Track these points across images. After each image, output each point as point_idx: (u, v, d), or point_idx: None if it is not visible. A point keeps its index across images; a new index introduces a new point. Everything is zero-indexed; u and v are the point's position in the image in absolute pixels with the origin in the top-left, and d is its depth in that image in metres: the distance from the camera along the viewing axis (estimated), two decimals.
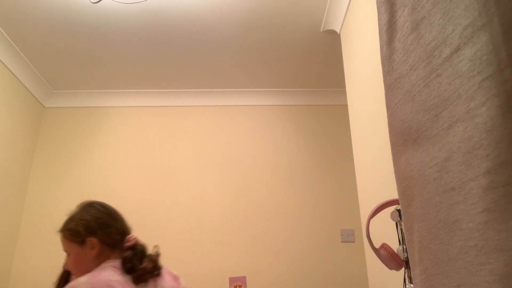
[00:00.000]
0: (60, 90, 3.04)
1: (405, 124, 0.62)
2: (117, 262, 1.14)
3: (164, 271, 1.22)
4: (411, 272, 0.64)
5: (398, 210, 1.06)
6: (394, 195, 1.19)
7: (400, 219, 1.06)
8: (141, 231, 2.71)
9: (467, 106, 0.48)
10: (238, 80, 3.00)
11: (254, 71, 2.90)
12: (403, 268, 1.07)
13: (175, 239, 2.73)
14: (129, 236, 1.22)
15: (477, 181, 0.46)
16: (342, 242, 2.81)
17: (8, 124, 2.56)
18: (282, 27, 2.43)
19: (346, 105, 3.10)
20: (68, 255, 1.19)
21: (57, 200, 2.79)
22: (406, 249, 1.05)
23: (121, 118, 3.04)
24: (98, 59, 2.68)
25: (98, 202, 1.28)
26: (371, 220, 1.10)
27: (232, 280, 2.65)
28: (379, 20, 0.72)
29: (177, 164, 2.93)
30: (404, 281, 1.04)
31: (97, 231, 1.18)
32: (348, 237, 2.82)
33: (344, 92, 3.11)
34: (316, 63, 2.82)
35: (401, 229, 1.10)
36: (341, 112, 3.15)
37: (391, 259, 1.06)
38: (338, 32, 2.36)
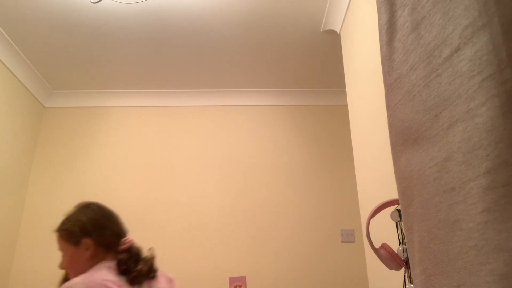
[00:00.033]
0: (60, 90, 3.04)
1: (405, 124, 0.62)
2: (112, 263, 1.14)
3: (159, 274, 1.23)
4: (411, 272, 0.64)
5: (398, 210, 1.06)
6: (394, 195, 1.19)
7: (400, 219, 1.06)
8: (141, 231, 2.72)
9: (467, 106, 0.48)
10: (238, 80, 3.00)
11: (254, 71, 2.90)
12: (403, 268, 1.07)
13: (175, 239, 2.73)
14: (125, 238, 1.22)
15: (477, 181, 0.46)
16: (342, 242, 2.81)
17: (8, 124, 2.56)
18: (282, 27, 2.43)
19: (346, 105, 3.10)
20: (63, 255, 1.20)
21: (57, 200, 2.79)
22: (406, 249, 1.05)
23: (121, 118, 3.04)
24: (98, 59, 2.68)
25: (96, 203, 1.28)
26: (371, 220, 1.10)
27: (232, 280, 2.65)
28: (379, 20, 0.72)
29: (177, 164, 2.93)
30: (404, 281, 1.04)
31: (92, 232, 1.18)
32: (348, 237, 2.82)
33: (344, 92, 3.11)
34: (316, 63, 2.82)
35: (401, 229, 1.10)
36: (341, 112, 3.15)
37: (391, 259, 1.06)
38: (338, 32, 2.36)
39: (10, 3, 2.15)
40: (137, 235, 2.71)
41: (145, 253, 1.24)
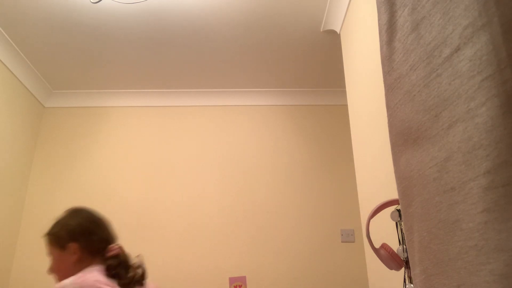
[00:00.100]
0: (60, 90, 3.04)
1: (405, 124, 0.62)
2: (101, 267, 1.15)
3: (147, 281, 1.24)
4: (411, 272, 0.64)
5: (398, 210, 1.06)
6: (394, 195, 1.19)
7: (400, 219, 1.06)
8: (141, 231, 2.72)
9: (467, 106, 0.48)
10: (238, 80, 3.00)
11: (254, 71, 2.90)
12: (403, 268, 1.07)
13: (175, 239, 2.73)
14: (113, 245, 1.22)
15: (477, 181, 0.46)
16: (342, 242, 2.81)
17: (8, 124, 2.56)
18: (282, 27, 2.43)
19: (346, 105, 3.10)
20: (52, 259, 1.21)
21: (57, 200, 2.79)
22: (406, 249, 1.05)
23: (121, 118, 3.04)
24: (98, 59, 2.68)
25: (86, 208, 1.29)
26: (371, 220, 1.10)
27: (232, 280, 2.65)
28: (379, 20, 0.72)
29: (177, 164, 2.93)
30: (404, 281, 1.04)
31: (79, 237, 1.19)
32: (348, 237, 2.82)
33: (344, 92, 3.11)
34: (316, 63, 2.82)
35: (401, 229, 1.10)
36: (341, 112, 3.15)
37: (391, 259, 1.06)
38: (338, 32, 2.36)
39: (10, 3, 2.15)
40: (137, 235, 2.73)
41: (133, 259, 1.25)
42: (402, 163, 0.63)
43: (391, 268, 1.07)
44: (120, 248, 1.23)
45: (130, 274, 1.16)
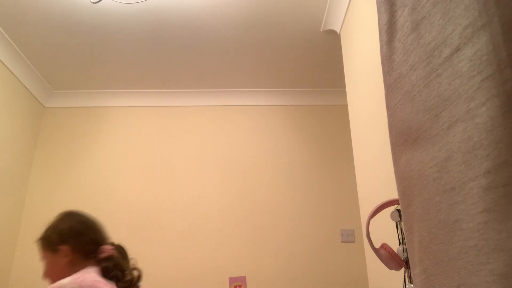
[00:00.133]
0: (60, 90, 3.04)
1: (405, 124, 0.62)
2: (97, 269, 1.14)
3: (141, 284, 1.24)
4: (411, 272, 0.64)
5: (398, 210, 1.06)
6: (394, 195, 1.19)
7: (400, 219, 1.06)
8: (141, 231, 2.72)
9: (467, 106, 0.48)
10: (238, 80, 3.00)
11: (254, 71, 2.90)
12: (403, 268, 1.07)
13: (175, 239, 2.73)
14: (104, 246, 1.21)
15: (477, 181, 0.46)
16: (342, 242, 2.81)
17: (8, 124, 2.56)
18: (282, 27, 2.43)
19: (346, 105, 3.10)
20: (45, 263, 1.21)
21: (57, 200, 2.79)
22: (406, 249, 1.05)
23: (121, 118, 3.04)
24: (98, 59, 2.68)
25: (77, 212, 1.29)
26: (371, 220, 1.10)
27: (232, 280, 2.65)
28: (379, 20, 0.72)
29: (177, 164, 2.93)
30: (404, 281, 1.04)
31: (69, 239, 1.18)
32: (348, 237, 2.82)
33: (344, 92, 3.11)
34: (316, 63, 2.82)
35: (401, 229, 1.10)
36: (341, 112, 3.15)
37: (391, 259, 1.06)
38: (338, 32, 2.36)
39: (10, 3, 2.15)
40: (137, 235, 2.72)
41: (128, 261, 1.25)
42: (402, 163, 0.63)
43: (391, 268, 1.07)
44: (113, 249, 1.22)
45: (128, 277, 1.16)
